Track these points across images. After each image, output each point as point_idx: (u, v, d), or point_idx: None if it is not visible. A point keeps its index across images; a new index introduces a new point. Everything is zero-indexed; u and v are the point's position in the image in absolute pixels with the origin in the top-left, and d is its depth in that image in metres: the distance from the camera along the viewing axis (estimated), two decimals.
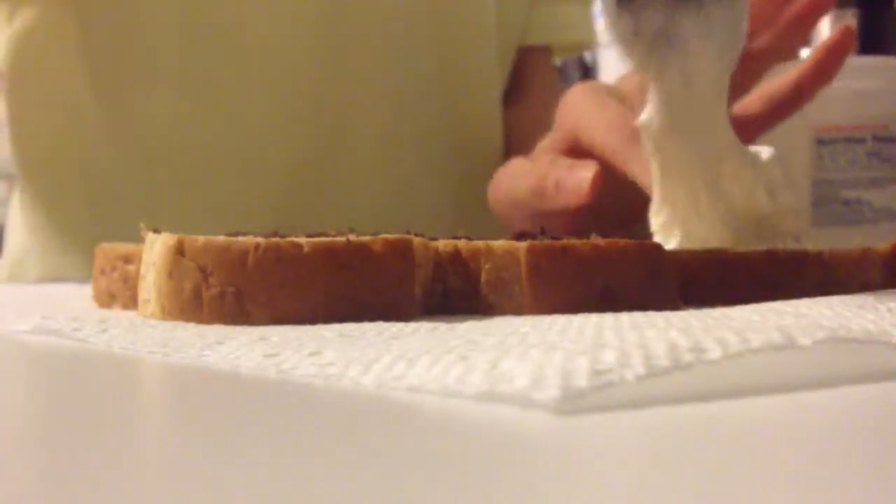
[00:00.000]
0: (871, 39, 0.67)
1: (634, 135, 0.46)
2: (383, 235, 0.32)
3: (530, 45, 0.81)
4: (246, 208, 0.70)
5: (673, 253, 0.39)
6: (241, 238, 0.32)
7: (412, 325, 0.28)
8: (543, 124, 0.58)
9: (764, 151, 0.46)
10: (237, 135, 0.70)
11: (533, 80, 0.82)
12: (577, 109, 0.52)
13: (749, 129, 0.52)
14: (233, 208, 0.70)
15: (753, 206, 0.44)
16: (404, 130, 0.74)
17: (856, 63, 0.65)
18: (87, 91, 0.70)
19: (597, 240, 0.34)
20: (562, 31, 0.83)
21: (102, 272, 0.39)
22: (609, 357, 0.19)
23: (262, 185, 0.71)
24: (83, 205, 0.72)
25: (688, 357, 0.19)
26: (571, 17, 0.82)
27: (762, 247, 0.41)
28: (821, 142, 0.61)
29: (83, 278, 0.50)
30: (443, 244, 0.34)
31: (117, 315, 0.34)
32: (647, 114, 0.43)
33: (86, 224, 0.71)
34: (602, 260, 0.33)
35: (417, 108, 0.74)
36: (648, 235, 0.45)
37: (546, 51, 0.84)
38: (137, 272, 0.35)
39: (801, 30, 0.53)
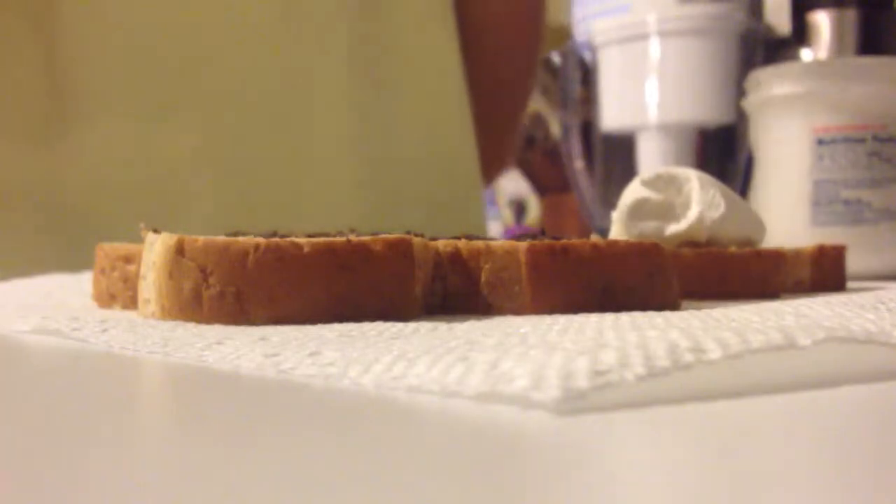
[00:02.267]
0: (871, 39, 0.67)
1: None
2: (383, 235, 0.32)
3: None
4: (206, 214, 0.68)
5: (673, 253, 0.39)
6: (241, 238, 0.32)
7: (412, 325, 0.28)
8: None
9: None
10: (194, 145, 0.69)
11: None
12: None
13: None
14: (190, 218, 0.68)
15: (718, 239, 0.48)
16: (368, 133, 0.73)
17: (856, 63, 0.65)
18: (44, 111, 0.69)
19: (597, 240, 0.34)
20: None
21: (103, 272, 0.39)
22: (609, 357, 0.19)
23: (222, 190, 0.69)
24: (37, 224, 0.70)
25: (688, 357, 0.19)
26: None
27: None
28: (821, 142, 0.61)
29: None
30: (443, 244, 0.34)
31: (117, 315, 0.34)
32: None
33: (40, 243, 0.69)
34: (602, 260, 0.33)
35: (382, 112, 0.74)
36: None
37: None
38: (137, 272, 0.35)
39: None
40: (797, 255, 0.45)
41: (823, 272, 0.46)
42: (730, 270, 0.42)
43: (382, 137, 0.74)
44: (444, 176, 0.78)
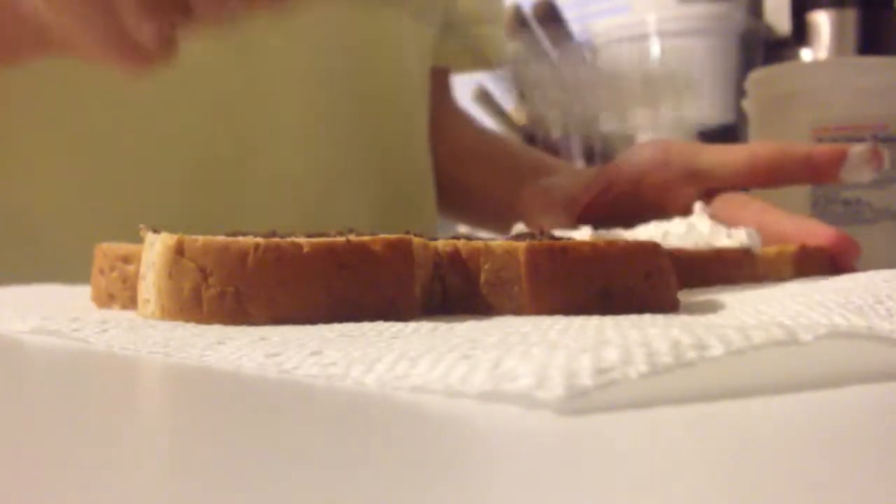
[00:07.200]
0: (871, 39, 0.67)
1: None
2: (383, 235, 0.32)
3: (436, 66, 0.83)
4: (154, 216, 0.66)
5: (673, 253, 0.39)
6: (240, 238, 0.31)
7: (412, 325, 0.28)
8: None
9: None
10: (140, 141, 0.67)
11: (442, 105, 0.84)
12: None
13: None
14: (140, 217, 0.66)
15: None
16: (322, 136, 0.72)
17: (856, 63, 0.65)
18: None
19: (596, 240, 0.34)
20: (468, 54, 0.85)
21: (101, 272, 0.39)
22: (612, 355, 0.19)
23: (170, 192, 0.67)
24: None
25: (691, 354, 0.19)
26: (480, 40, 0.84)
27: None
28: (821, 142, 0.61)
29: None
30: (442, 244, 0.34)
31: (117, 315, 0.34)
32: None
33: None
34: (602, 260, 0.33)
35: (338, 113, 0.73)
36: None
37: (447, 72, 0.87)
38: (136, 272, 0.35)
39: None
40: (779, 254, 0.45)
41: (805, 273, 0.46)
42: (686, 269, 0.42)
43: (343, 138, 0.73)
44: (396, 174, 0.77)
